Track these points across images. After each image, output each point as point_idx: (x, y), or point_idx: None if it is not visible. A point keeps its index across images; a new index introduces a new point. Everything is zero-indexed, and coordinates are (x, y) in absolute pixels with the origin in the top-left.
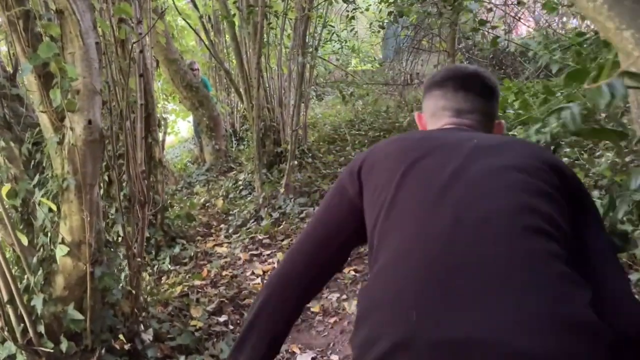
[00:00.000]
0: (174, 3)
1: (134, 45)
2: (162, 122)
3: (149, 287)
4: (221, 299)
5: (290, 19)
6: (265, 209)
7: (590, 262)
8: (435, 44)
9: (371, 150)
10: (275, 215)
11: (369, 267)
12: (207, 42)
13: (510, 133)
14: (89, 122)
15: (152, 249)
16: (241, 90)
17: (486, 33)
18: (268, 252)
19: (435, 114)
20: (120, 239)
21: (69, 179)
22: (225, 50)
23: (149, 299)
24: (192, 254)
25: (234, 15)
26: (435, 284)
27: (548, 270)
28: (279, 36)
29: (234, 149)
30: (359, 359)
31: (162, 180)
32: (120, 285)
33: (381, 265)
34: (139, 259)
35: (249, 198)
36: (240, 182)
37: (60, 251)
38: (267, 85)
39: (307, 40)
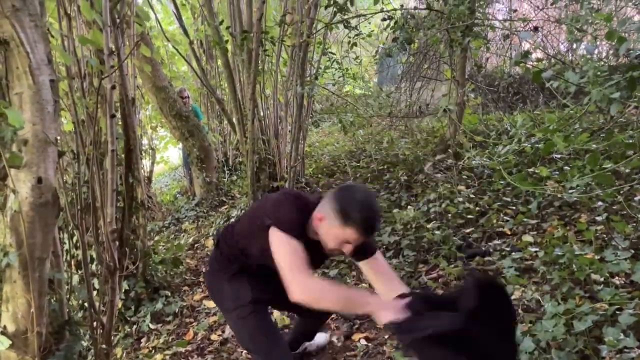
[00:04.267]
0: (161, 28)
1: (103, 81)
2: (151, 152)
3: None
4: None
5: (288, 46)
6: None
7: None
8: (443, 72)
9: None
10: None
11: None
12: (197, 70)
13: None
14: (39, 180)
15: (132, 304)
16: (234, 120)
17: (505, 62)
18: None
19: None
20: (84, 314)
21: (11, 253)
22: (217, 77)
23: None
24: (177, 309)
25: (227, 41)
26: None
27: None
28: (274, 63)
29: (226, 180)
30: None
31: (144, 224)
32: None
33: None
34: (104, 346)
35: None
36: (232, 219)
37: (1, 344)
38: (262, 115)
39: (305, 69)
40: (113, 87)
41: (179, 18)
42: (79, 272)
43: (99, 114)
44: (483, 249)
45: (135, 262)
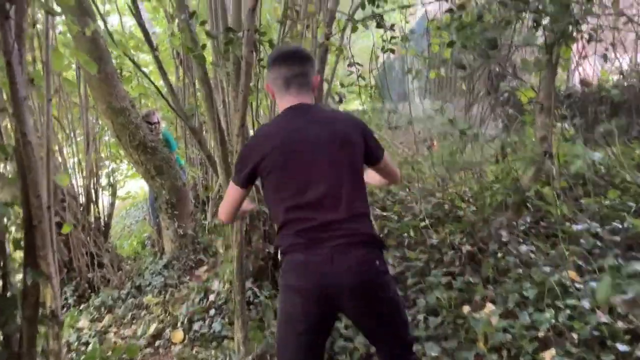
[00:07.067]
0: (105, 26)
1: None
2: (109, 188)
3: None
4: None
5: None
6: None
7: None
8: (520, 90)
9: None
10: None
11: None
12: (161, 85)
13: None
14: None
15: None
16: (216, 158)
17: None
18: None
19: (277, 87)
20: None
21: None
22: (199, 94)
23: None
24: None
25: (204, 46)
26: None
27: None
28: None
29: (207, 225)
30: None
31: (57, 350)
32: None
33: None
34: None
35: (224, 342)
36: (211, 298)
37: None
38: None
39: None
40: None
41: (137, 12)
42: None
43: None
44: None
45: None
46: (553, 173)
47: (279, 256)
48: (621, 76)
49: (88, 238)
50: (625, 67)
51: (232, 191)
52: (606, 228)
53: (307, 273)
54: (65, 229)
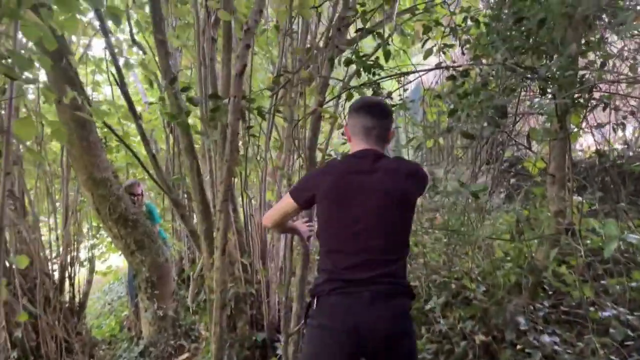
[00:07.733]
0: (109, 79)
1: None
2: (87, 263)
3: None
4: None
5: (284, 120)
6: None
7: None
8: (528, 160)
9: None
10: None
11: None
12: (141, 153)
13: None
14: None
15: None
16: (199, 233)
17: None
18: None
19: (355, 132)
20: None
21: None
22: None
23: None
24: None
25: (188, 113)
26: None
27: None
28: (263, 146)
29: (190, 304)
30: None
31: None
32: None
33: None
34: None
35: None
36: None
37: None
38: (242, 225)
39: (314, 155)
40: None
41: (121, 82)
42: None
43: None
44: None
45: None
46: (580, 252)
47: (313, 300)
48: (626, 146)
49: (57, 322)
50: (629, 135)
51: (286, 203)
52: (636, 314)
53: (345, 314)
54: (22, 318)
